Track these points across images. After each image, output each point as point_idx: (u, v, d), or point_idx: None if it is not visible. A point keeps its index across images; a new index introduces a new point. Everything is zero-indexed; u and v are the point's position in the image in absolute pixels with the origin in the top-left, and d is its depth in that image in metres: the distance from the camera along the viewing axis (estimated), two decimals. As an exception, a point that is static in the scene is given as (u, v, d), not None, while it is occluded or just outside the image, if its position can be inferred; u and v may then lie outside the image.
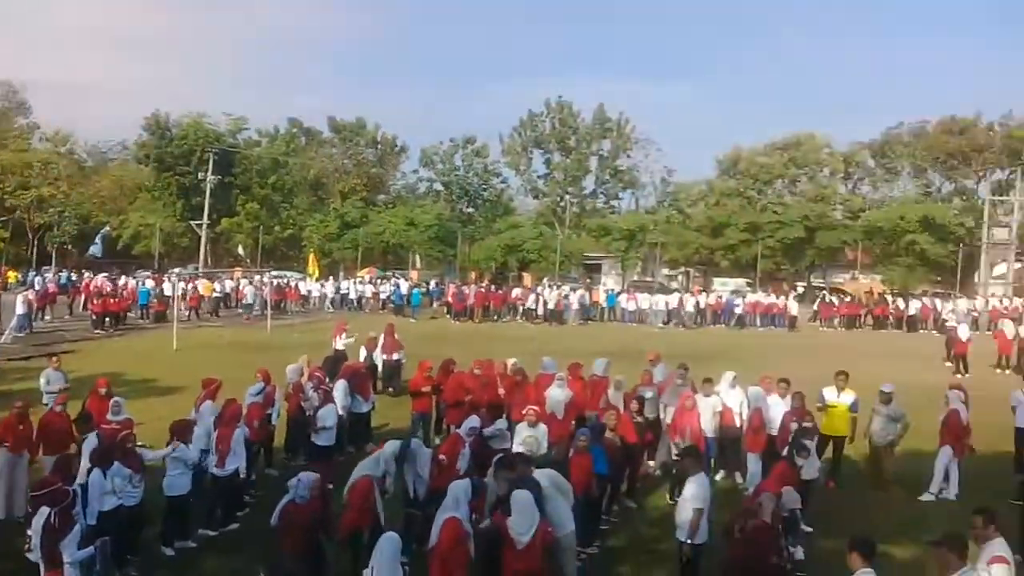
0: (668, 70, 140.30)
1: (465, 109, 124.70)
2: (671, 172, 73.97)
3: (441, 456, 9.75)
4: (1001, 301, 42.18)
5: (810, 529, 9.94)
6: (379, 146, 75.25)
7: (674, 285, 59.14)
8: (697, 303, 40.05)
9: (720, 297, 42.18)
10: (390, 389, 18.37)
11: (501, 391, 13.60)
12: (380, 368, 18.46)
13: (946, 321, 33.96)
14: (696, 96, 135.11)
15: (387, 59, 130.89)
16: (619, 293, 44.06)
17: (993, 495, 10.67)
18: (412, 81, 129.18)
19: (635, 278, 61.80)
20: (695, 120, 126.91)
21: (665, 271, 66.98)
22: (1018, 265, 54.69)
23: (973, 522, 7.02)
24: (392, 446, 9.44)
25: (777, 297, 42.48)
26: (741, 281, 57.76)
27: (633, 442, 11.19)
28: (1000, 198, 55.41)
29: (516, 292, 41.84)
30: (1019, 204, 52.18)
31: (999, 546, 6.76)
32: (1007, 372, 24.48)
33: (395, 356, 18.83)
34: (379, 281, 46.03)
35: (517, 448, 10.47)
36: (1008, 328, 26.46)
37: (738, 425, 12.74)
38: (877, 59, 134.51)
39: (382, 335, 18.89)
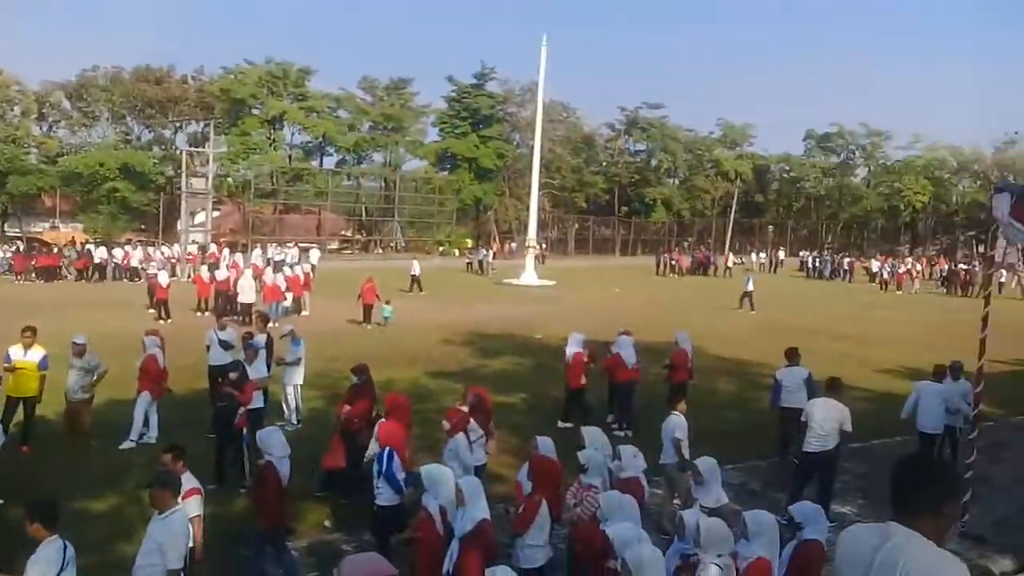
0: None
1: None
2: None
3: None
4: (204, 248, 44.96)
5: (2, 501, 9.10)
6: None
7: None
8: None
9: None
10: None
11: None
12: None
13: (145, 268, 34.75)
14: None
15: None
16: None
17: (192, 432, 11.26)
18: None
19: None
20: None
21: None
22: (216, 213, 58.79)
23: (162, 459, 7.29)
24: None
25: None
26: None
27: None
28: (197, 149, 58.50)
29: None
30: (214, 156, 55.95)
31: (188, 479, 7.06)
32: (206, 314, 26.11)
33: None
34: None
35: None
36: (204, 273, 28.51)
37: None
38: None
39: None
